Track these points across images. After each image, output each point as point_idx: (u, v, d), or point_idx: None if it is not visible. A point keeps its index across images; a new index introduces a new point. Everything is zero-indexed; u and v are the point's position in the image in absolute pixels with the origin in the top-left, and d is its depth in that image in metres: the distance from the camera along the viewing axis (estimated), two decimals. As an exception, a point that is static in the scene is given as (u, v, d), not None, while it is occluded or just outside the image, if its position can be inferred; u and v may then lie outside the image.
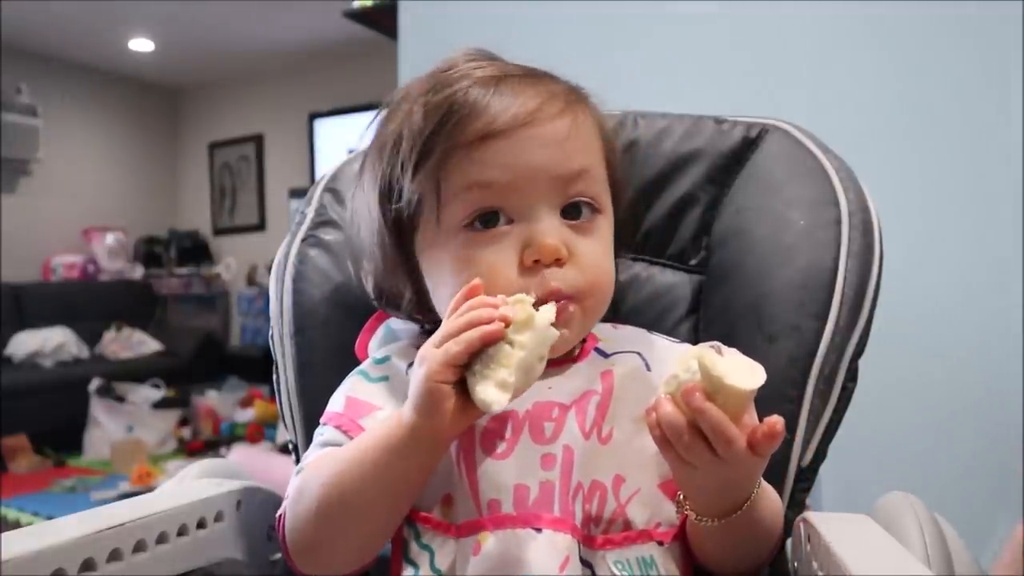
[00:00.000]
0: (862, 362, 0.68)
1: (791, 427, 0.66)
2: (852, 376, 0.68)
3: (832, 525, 0.56)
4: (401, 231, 0.63)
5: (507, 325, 0.51)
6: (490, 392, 0.50)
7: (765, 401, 0.59)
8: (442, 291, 0.62)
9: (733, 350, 0.51)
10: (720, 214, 0.76)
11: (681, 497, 0.56)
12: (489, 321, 0.51)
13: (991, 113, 1.41)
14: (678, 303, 0.77)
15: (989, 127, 1.42)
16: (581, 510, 0.56)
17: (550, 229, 0.58)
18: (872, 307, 0.68)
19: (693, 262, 0.78)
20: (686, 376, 0.49)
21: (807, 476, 0.68)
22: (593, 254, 0.61)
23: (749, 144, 0.76)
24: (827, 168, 0.72)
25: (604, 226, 0.63)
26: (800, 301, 0.67)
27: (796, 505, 0.68)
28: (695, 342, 0.74)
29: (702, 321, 0.76)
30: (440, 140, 0.58)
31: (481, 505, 0.56)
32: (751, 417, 0.50)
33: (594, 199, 0.61)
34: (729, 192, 0.76)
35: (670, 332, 0.74)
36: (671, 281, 0.78)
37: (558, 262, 0.58)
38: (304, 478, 0.59)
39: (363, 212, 0.66)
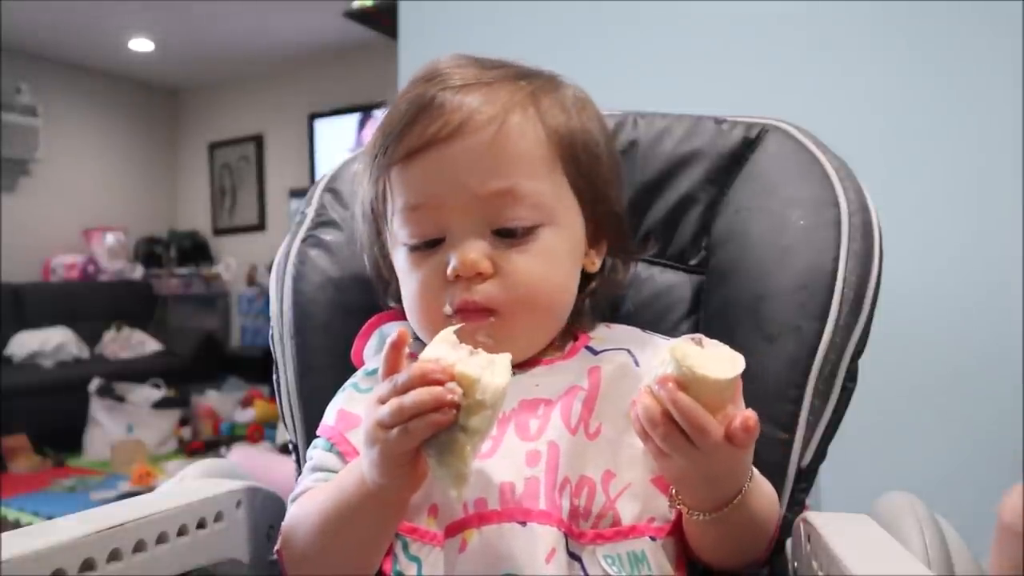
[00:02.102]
0: (862, 362, 0.68)
1: (791, 427, 0.66)
2: (852, 376, 0.68)
3: (832, 525, 0.56)
4: (373, 230, 0.68)
5: (457, 408, 0.47)
6: (447, 485, 0.48)
7: (765, 401, 0.59)
8: (402, 290, 0.65)
9: (715, 342, 0.51)
10: (720, 214, 0.76)
11: (674, 492, 0.56)
12: (437, 407, 0.47)
13: (991, 113, 1.41)
14: (678, 303, 0.77)
15: (989, 127, 1.42)
16: (568, 504, 0.56)
17: (471, 245, 0.59)
18: (872, 307, 0.68)
19: (693, 262, 0.78)
20: (662, 368, 0.49)
21: (807, 476, 0.68)
22: (525, 269, 0.60)
23: (749, 144, 0.76)
24: (827, 168, 0.72)
25: (548, 238, 0.61)
26: (800, 301, 0.67)
27: (796, 505, 0.68)
28: (695, 342, 0.74)
29: (702, 321, 0.75)
30: (382, 157, 0.62)
31: (467, 505, 0.56)
32: (735, 408, 0.50)
33: (531, 213, 0.60)
34: (729, 192, 0.76)
35: (670, 332, 0.74)
36: (671, 281, 0.78)
37: (480, 276, 0.59)
38: (293, 518, 0.61)
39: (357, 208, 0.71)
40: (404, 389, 0.48)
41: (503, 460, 0.57)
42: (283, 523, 0.61)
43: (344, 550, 0.56)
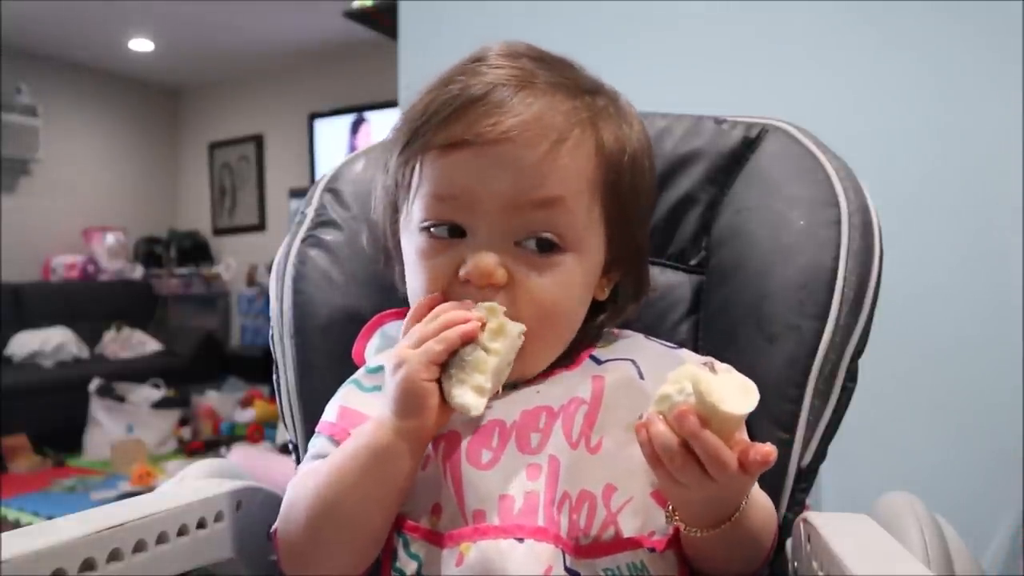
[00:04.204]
0: (862, 362, 0.68)
1: (791, 427, 0.66)
2: (852, 376, 0.68)
3: (832, 525, 0.57)
4: (390, 204, 0.67)
5: (482, 327, 0.54)
6: (468, 397, 0.53)
7: (765, 401, 0.58)
8: (408, 276, 0.64)
9: (726, 366, 0.50)
10: (720, 214, 0.76)
11: (671, 508, 0.56)
12: (465, 322, 0.54)
13: (991, 112, 1.41)
14: (678, 303, 0.77)
15: (989, 126, 1.42)
16: (567, 520, 0.56)
17: (489, 252, 0.58)
18: (872, 307, 0.68)
19: (693, 262, 0.78)
20: (680, 398, 0.48)
21: (807, 476, 0.68)
22: (541, 290, 0.58)
23: (749, 144, 0.76)
24: (827, 168, 0.72)
25: (568, 265, 0.59)
26: (800, 301, 0.67)
27: (796, 505, 0.68)
28: (695, 342, 0.74)
29: (702, 321, 0.75)
30: (419, 138, 0.59)
31: (467, 515, 0.56)
32: (741, 434, 0.50)
33: (559, 236, 0.59)
34: (729, 192, 0.76)
35: (670, 332, 0.74)
36: (671, 281, 0.78)
37: (492, 287, 0.58)
38: (294, 491, 0.60)
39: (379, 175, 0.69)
40: (433, 317, 0.56)
41: (502, 472, 0.57)
42: (282, 504, 0.60)
43: (353, 511, 0.55)
